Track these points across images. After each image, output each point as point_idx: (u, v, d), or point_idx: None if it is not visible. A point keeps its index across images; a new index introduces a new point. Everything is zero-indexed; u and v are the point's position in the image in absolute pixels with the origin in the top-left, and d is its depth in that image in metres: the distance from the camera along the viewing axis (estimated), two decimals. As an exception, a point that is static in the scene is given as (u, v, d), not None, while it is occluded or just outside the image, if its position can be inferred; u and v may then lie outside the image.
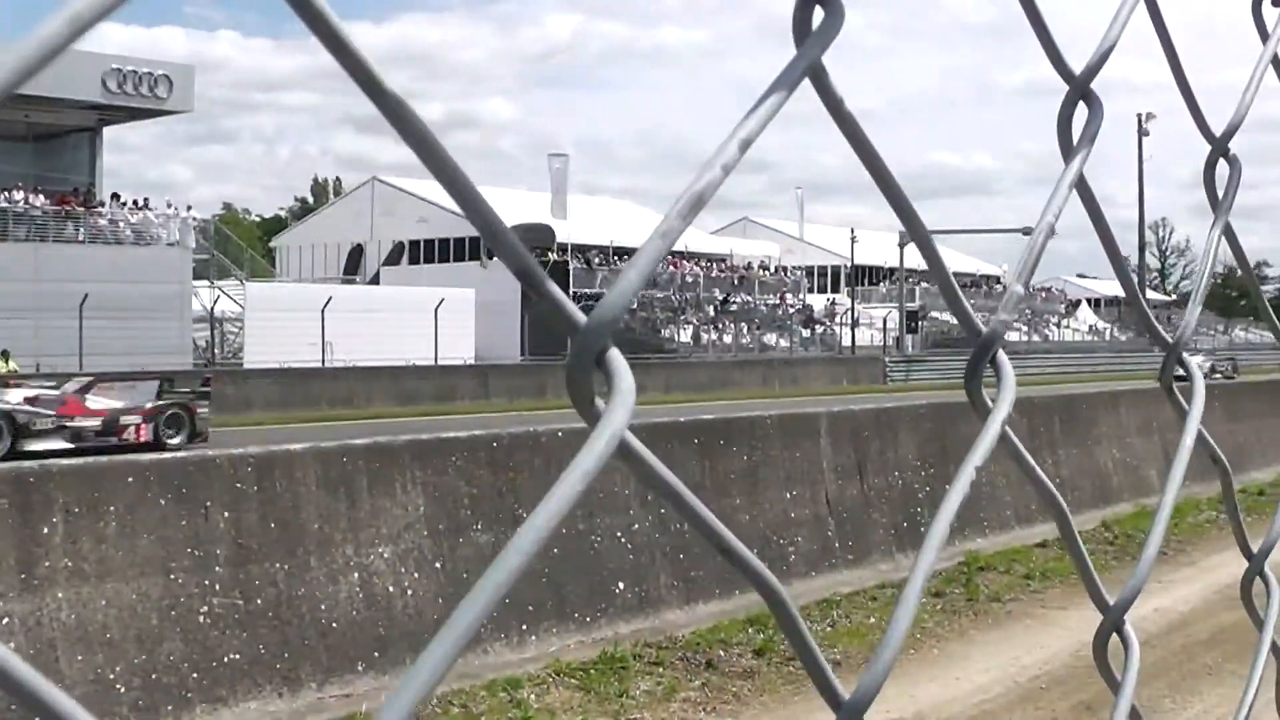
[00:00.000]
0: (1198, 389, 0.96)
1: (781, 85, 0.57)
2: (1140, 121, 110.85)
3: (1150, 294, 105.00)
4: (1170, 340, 0.98)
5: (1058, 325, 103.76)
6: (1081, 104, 0.91)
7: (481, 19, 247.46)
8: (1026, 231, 76.81)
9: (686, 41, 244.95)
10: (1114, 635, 0.84)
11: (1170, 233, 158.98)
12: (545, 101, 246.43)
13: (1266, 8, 1.16)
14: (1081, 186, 0.90)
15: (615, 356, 0.48)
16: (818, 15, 0.61)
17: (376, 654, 10.50)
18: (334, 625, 10.35)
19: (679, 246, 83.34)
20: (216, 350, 55.25)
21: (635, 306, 74.50)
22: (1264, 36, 1.13)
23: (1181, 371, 0.98)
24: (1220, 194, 1.08)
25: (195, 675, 9.47)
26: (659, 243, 0.51)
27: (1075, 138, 0.91)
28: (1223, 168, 1.10)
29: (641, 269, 0.51)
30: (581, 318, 0.49)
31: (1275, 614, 0.97)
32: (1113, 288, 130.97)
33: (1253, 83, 1.06)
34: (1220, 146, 1.08)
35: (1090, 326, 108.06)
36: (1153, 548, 0.89)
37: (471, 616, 0.46)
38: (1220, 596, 14.18)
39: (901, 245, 72.33)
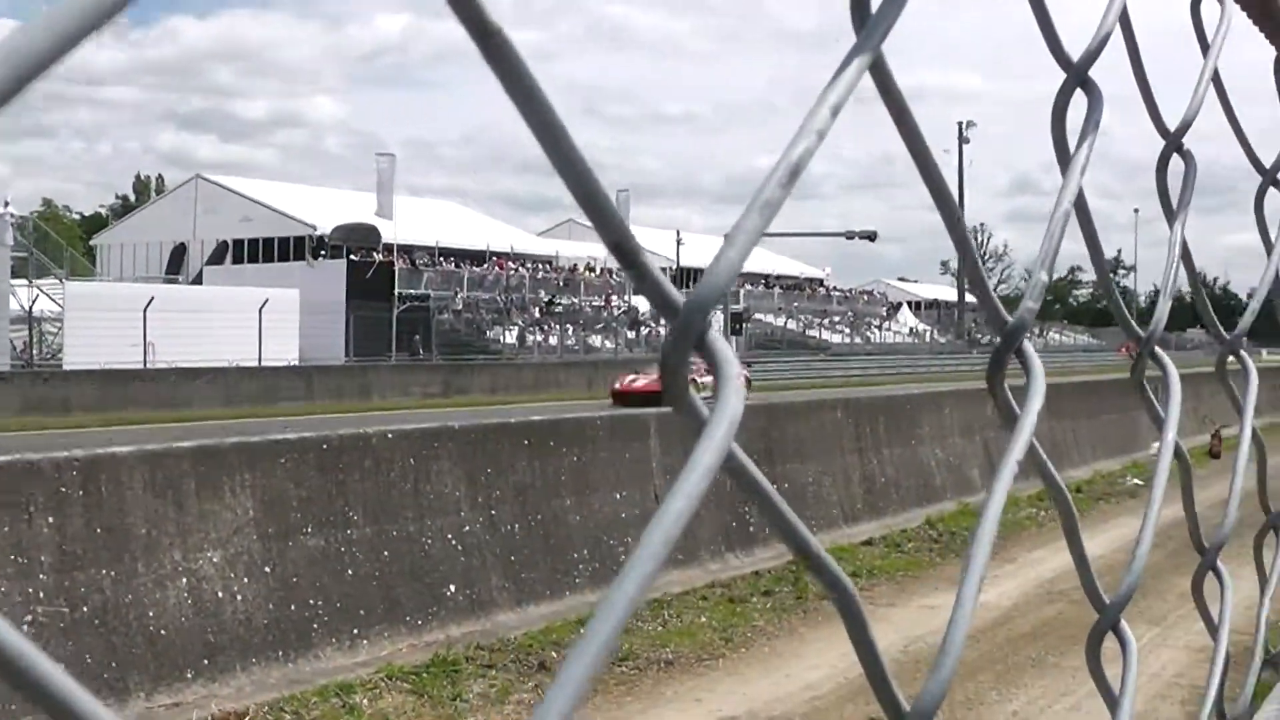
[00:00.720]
0: (1172, 381, 0.95)
1: (863, 49, 0.53)
2: (961, 129, 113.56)
3: (970, 297, 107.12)
4: (1143, 335, 0.97)
5: (879, 327, 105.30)
6: (1079, 92, 0.90)
7: (308, 16, 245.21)
8: (849, 236, 78.17)
9: (517, 42, 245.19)
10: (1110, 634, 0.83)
11: (989, 238, 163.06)
12: (372, 101, 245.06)
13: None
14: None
15: (716, 338, 0.44)
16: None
17: (206, 661, 10.28)
18: (162, 632, 10.10)
19: (504, 247, 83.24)
20: (35, 351, 53.82)
21: (460, 308, 74.17)
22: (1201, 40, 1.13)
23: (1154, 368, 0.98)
24: (1179, 190, 1.08)
25: (17, 685, 9.17)
26: (758, 216, 0.47)
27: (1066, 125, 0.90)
28: (1176, 163, 1.10)
29: (743, 245, 0.46)
30: (680, 298, 0.45)
31: (1229, 611, 0.96)
32: (932, 291, 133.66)
33: (1203, 80, 1.06)
34: (1175, 141, 1.08)
35: (911, 329, 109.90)
36: (1145, 544, 0.88)
37: (599, 644, 0.41)
38: (1041, 591, 14.48)
39: (727, 248, 72.85)
